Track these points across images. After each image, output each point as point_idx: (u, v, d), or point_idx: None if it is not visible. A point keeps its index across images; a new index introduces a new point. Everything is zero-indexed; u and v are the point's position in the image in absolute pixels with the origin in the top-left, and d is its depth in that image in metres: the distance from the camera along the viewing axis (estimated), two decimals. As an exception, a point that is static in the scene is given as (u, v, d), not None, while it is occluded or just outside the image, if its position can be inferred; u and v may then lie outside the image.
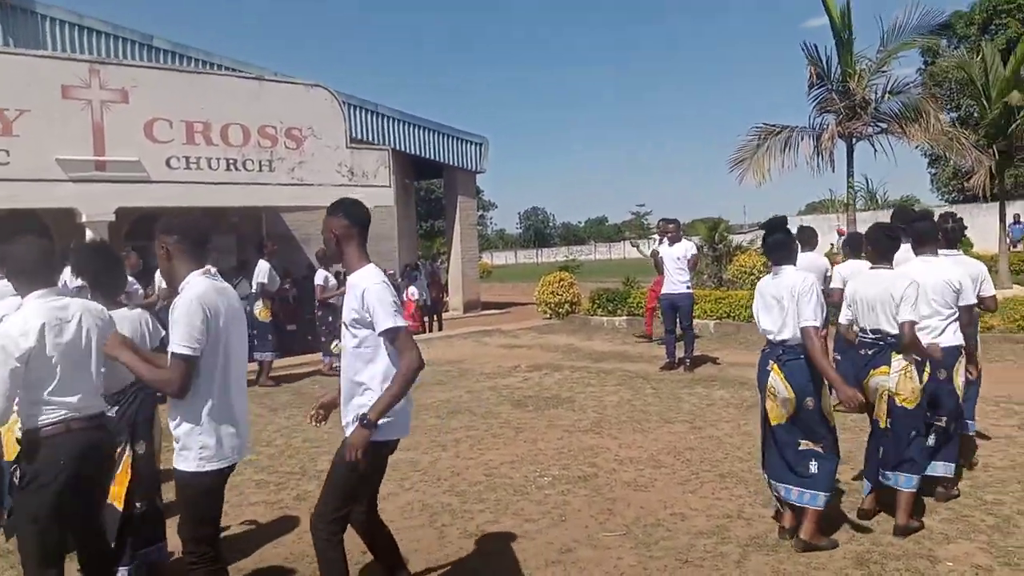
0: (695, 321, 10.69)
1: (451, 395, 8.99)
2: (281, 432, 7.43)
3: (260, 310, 10.24)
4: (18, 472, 3.20)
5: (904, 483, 4.48)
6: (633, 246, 16.46)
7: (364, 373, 3.30)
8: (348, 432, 3.30)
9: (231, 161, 12.44)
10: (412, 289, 16.46)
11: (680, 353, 10.09)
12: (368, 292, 3.21)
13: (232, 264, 14.03)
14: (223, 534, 4.88)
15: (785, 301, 4.24)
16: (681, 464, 5.96)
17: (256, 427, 5.54)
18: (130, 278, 6.33)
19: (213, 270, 3.25)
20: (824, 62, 14.90)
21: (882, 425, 4.56)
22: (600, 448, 6.47)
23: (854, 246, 8.12)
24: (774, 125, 15.55)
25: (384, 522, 3.78)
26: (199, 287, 3.11)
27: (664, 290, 10.19)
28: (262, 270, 10.44)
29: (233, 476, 5.94)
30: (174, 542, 4.66)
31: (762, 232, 4.69)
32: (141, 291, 8.32)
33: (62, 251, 3.78)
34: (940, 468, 4.88)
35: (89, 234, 10.98)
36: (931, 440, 4.79)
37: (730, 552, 4.31)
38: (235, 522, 5.10)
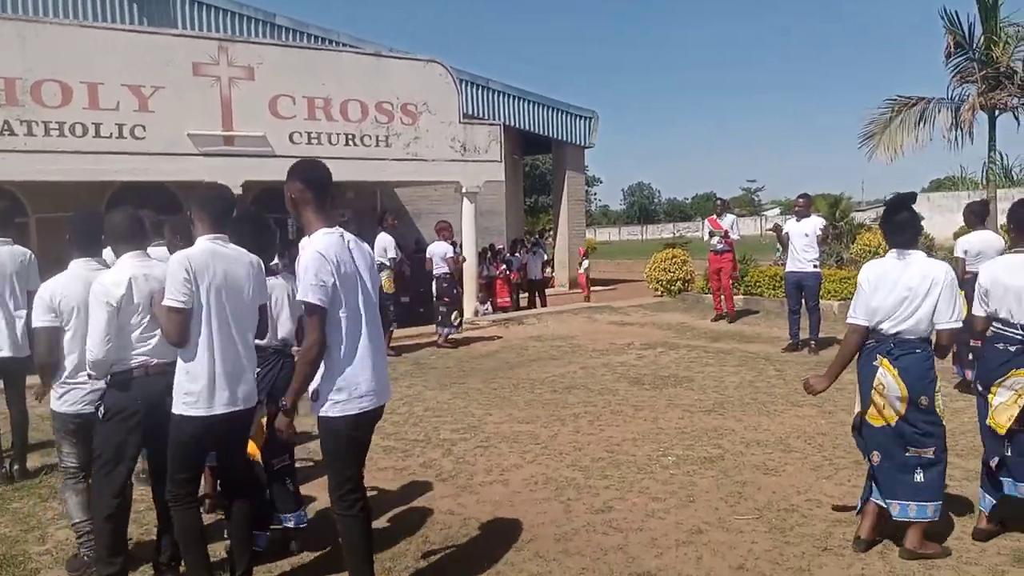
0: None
1: (565, 370, 8.94)
2: (404, 400, 7.58)
3: (385, 281, 10.34)
4: (101, 408, 3.61)
5: None
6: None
7: None
8: (310, 406, 3.32)
9: (350, 136, 12.69)
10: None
11: (804, 334, 9.73)
12: (299, 260, 3.20)
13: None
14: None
15: (917, 291, 3.82)
16: (813, 449, 5.73)
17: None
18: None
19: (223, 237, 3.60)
20: (966, 29, 13.87)
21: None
22: (724, 430, 6.29)
23: (980, 215, 7.52)
24: (909, 97, 14.62)
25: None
26: (192, 249, 3.51)
27: (789, 268, 9.79)
28: (388, 243, 10.47)
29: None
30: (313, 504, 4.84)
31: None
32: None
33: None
34: None
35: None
36: None
37: (872, 541, 4.10)
38: (367, 485, 5.20)
